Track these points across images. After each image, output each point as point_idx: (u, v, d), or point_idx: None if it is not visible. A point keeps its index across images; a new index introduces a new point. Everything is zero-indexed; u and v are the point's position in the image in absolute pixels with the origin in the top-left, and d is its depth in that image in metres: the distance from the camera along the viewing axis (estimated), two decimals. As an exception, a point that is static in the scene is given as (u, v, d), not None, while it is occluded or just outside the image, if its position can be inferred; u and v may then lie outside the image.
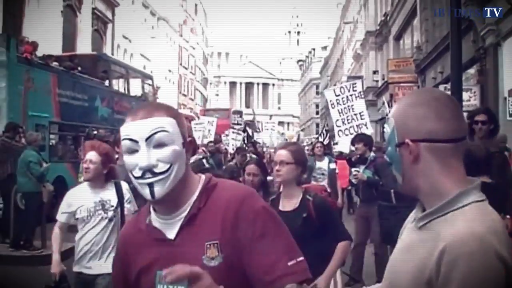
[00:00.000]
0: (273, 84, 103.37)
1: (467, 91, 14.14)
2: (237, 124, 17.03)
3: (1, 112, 11.69)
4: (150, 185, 1.72)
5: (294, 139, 37.24)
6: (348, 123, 10.26)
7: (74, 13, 29.89)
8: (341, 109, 10.33)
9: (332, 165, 10.28)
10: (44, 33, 22.91)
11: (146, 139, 1.71)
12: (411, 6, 22.64)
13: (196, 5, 66.80)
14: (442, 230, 1.42)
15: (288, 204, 3.91)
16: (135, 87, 22.12)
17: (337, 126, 10.44)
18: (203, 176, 1.91)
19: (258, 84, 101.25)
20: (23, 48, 12.98)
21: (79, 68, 15.92)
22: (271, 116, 54.83)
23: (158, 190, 1.72)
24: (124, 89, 20.02)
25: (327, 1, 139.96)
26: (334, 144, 15.19)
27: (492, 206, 3.96)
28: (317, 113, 79.32)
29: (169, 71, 52.69)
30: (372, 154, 8.03)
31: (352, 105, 10.25)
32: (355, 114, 10.24)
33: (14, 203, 9.58)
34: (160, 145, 1.72)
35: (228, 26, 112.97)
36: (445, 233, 1.39)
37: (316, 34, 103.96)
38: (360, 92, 10.44)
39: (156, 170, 1.72)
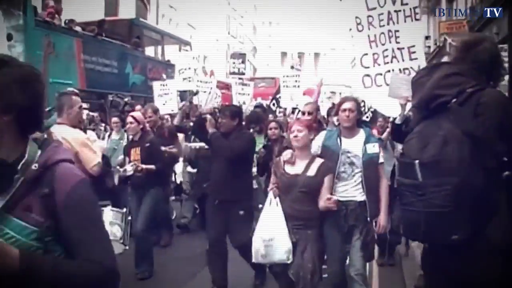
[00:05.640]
0: (325, 54, 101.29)
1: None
2: (239, 73, 13.72)
3: (18, 79, 11.09)
4: None
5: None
6: (385, 63, 6.03)
7: (116, -21, 29.43)
8: (375, 36, 6.10)
9: (372, 148, 5.24)
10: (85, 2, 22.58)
11: None
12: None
13: (245, -28, 65.45)
14: None
15: None
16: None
17: (364, 67, 6.12)
18: None
19: (309, 54, 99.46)
20: (45, 13, 12.35)
21: (103, 34, 15.16)
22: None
23: None
24: (159, 55, 19.29)
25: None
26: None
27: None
28: (369, 82, 77.66)
29: (217, 40, 51.92)
30: None
31: (395, 32, 6.01)
32: (399, 49, 5.99)
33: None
34: None
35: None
36: None
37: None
38: (413, 9, 6.21)
39: None
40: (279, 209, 4.86)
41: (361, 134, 5.32)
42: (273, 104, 13.79)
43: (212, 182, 6.63)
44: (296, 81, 13.03)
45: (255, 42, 75.46)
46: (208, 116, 6.44)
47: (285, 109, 12.82)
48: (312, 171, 4.97)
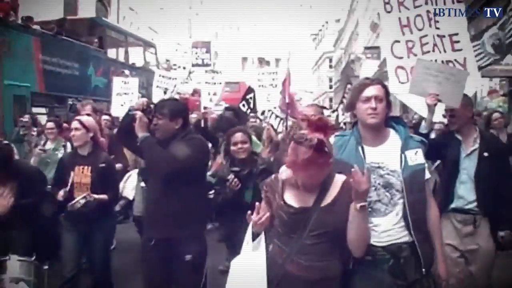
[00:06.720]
0: (288, 59, 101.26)
1: None
2: (203, 65, 11.78)
3: (-34, 81, 10.07)
4: None
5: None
6: (424, 52, 4.77)
7: (75, -20, 28.38)
8: (408, 19, 4.81)
9: (414, 157, 3.16)
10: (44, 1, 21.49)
11: None
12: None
13: (206, -24, 64.76)
14: None
15: None
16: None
17: (397, 57, 4.84)
18: None
19: (268, 61, 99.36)
20: (-2, 9, 11.36)
21: (64, 33, 14.14)
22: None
23: None
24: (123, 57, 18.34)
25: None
26: None
27: None
28: (330, 87, 77.60)
29: (178, 44, 51.13)
30: None
31: (434, 15, 4.79)
32: (440, 36, 4.76)
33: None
34: None
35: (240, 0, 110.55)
36: None
37: (329, 7, 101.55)
38: None
39: None
40: (260, 254, 2.94)
41: (394, 136, 3.20)
42: (243, 105, 12.82)
43: (145, 212, 4.87)
44: (273, 79, 11.68)
45: (216, 47, 74.90)
46: (138, 113, 4.24)
47: (262, 112, 11.80)
48: (330, 197, 2.93)
